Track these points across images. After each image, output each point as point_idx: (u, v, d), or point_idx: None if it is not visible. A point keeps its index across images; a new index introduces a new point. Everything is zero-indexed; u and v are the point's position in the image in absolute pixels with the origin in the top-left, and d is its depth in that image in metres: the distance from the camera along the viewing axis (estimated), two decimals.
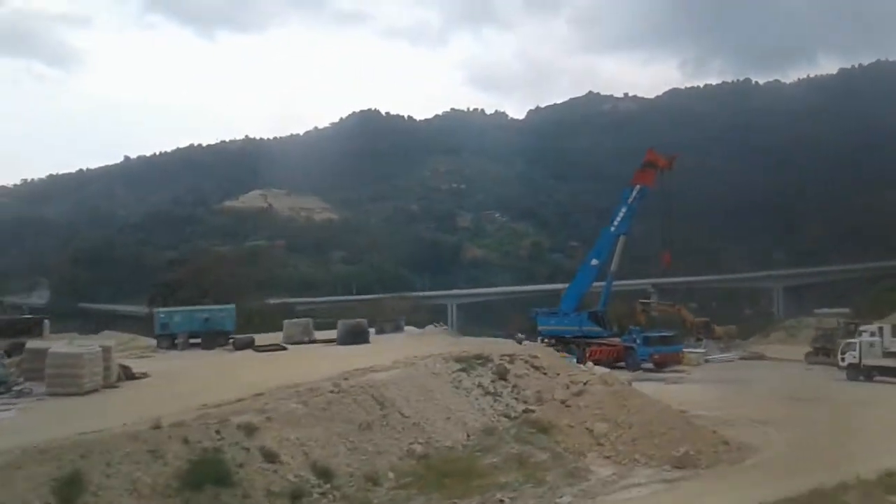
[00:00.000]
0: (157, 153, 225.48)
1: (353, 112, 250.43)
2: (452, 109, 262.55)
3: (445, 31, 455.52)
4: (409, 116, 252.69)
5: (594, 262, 55.79)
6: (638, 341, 51.21)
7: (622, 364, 48.98)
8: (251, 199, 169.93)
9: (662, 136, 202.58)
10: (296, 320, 43.73)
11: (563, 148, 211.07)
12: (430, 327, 60.18)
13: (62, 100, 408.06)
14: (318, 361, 30.82)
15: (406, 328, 54.45)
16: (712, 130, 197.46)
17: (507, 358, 27.77)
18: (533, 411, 24.42)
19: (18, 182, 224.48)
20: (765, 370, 47.61)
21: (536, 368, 27.51)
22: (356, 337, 39.02)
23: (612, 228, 55.11)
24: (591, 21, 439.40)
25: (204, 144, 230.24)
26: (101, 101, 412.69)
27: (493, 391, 25.27)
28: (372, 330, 45.98)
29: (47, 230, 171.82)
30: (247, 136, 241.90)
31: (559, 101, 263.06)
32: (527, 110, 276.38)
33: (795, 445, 23.28)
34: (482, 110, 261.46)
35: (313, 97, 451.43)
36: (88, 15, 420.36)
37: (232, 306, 47.24)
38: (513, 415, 24.17)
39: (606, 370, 32.50)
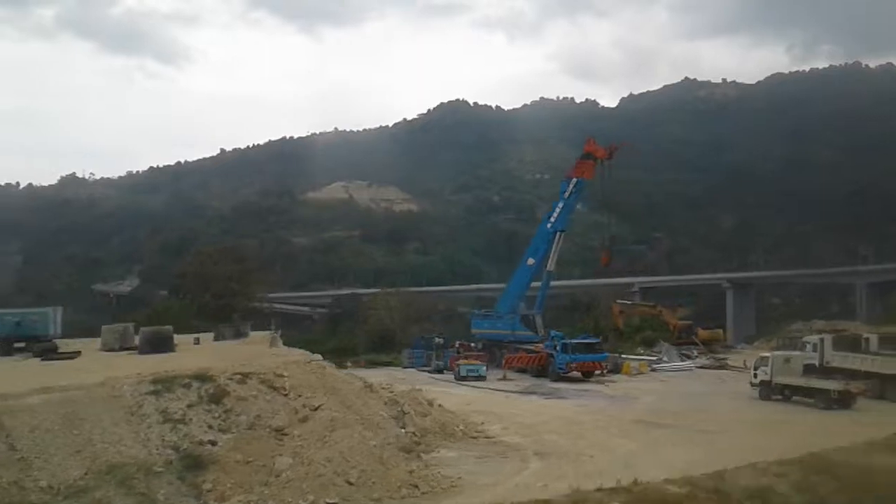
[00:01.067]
0: (251, 146, 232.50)
1: (441, 103, 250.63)
2: (542, 98, 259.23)
3: (540, 21, 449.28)
4: (496, 106, 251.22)
5: (530, 261, 52.48)
6: (557, 348, 46.90)
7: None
8: (333, 191, 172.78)
9: (760, 123, 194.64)
10: (113, 326, 37.77)
11: (653, 136, 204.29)
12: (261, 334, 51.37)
13: (171, 96, 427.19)
14: (36, 375, 25.70)
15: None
16: (816, 118, 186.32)
17: (239, 377, 23.98)
18: (214, 443, 20.92)
19: (123, 174, 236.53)
20: (698, 383, 43.19)
21: (275, 389, 23.96)
22: (157, 346, 33.80)
23: (549, 225, 51.73)
24: (692, 6, 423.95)
25: (295, 137, 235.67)
26: (206, 96, 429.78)
27: (179, 418, 21.50)
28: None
29: (146, 221, 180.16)
30: (336, 128, 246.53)
31: (653, 89, 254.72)
32: (620, 98, 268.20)
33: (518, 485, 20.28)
34: (572, 99, 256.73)
35: (404, 89, 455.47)
36: (197, 13, 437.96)
37: (48, 309, 40.47)
38: (184, 447, 20.51)
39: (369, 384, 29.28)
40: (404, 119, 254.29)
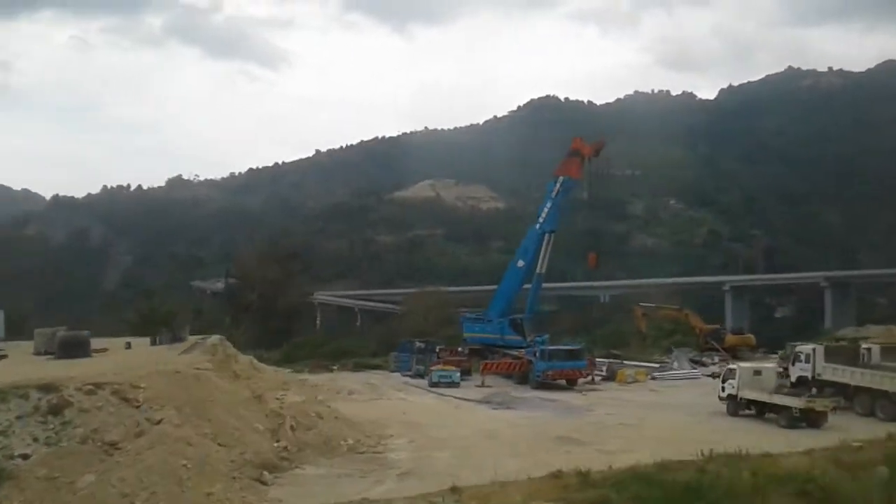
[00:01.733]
0: (344, 146, 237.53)
1: (532, 99, 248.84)
2: (636, 92, 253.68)
3: (635, 11, 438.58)
4: (588, 101, 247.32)
5: (520, 263, 50.21)
6: (536, 355, 44.68)
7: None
8: (421, 190, 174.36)
9: (869, 114, 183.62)
10: (44, 329, 36.13)
11: (753, 128, 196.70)
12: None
13: (271, 98, 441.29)
14: None
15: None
16: None
17: (90, 387, 22.67)
18: (27, 457, 19.92)
19: (226, 175, 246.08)
20: (687, 394, 39.67)
21: (126, 401, 22.64)
22: (71, 350, 32.14)
23: (538, 226, 49.48)
24: None
25: (385, 136, 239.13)
26: (303, 98, 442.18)
27: (2, 430, 20.60)
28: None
29: (244, 221, 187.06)
30: (426, 127, 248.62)
31: (754, 79, 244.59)
32: (718, 89, 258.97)
33: None
34: (668, 91, 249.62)
35: (495, 86, 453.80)
36: (293, 17, 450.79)
37: None
38: None
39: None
40: (494, 116, 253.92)
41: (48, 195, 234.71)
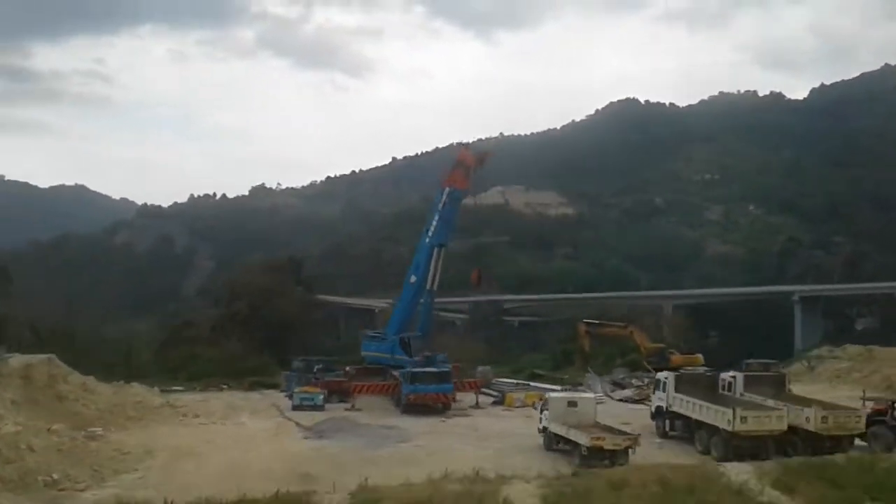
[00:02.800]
0: (419, 153, 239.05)
1: (611, 102, 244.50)
2: (720, 93, 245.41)
3: (726, 10, 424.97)
4: (670, 104, 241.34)
5: (412, 278, 46.97)
6: (402, 377, 41.80)
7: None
8: (490, 196, 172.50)
9: None
10: None
11: (844, 129, 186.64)
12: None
13: (354, 107, 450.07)
14: None
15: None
16: None
17: None
18: None
19: (306, 184, 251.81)
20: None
21: None
22: None
23: (427, 239, 46.33)
24: None
25: (459, 143, 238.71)
26: (387, 105, 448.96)
27: None
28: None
29: (319, 228, 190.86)
30: (501, 133, 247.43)
31: (847, 78, 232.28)
32: (809, 89, 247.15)
33: None
34: (754, 92, 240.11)
35: (576, 90, 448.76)
36: (381, 26, 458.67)
37: None
38: None
39: None
40: (573, 121, 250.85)
41: (141, 202, 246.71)
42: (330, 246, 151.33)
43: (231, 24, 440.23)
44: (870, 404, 29.49)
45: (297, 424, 36.18)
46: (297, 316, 71.10)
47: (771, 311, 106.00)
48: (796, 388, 35.61)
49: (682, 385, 31.03)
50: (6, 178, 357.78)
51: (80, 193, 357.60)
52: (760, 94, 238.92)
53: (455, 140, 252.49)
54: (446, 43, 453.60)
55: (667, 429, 31.58)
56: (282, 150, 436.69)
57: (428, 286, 46.28)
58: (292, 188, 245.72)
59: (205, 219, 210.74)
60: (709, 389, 31.10)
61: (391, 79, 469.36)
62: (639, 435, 26.45)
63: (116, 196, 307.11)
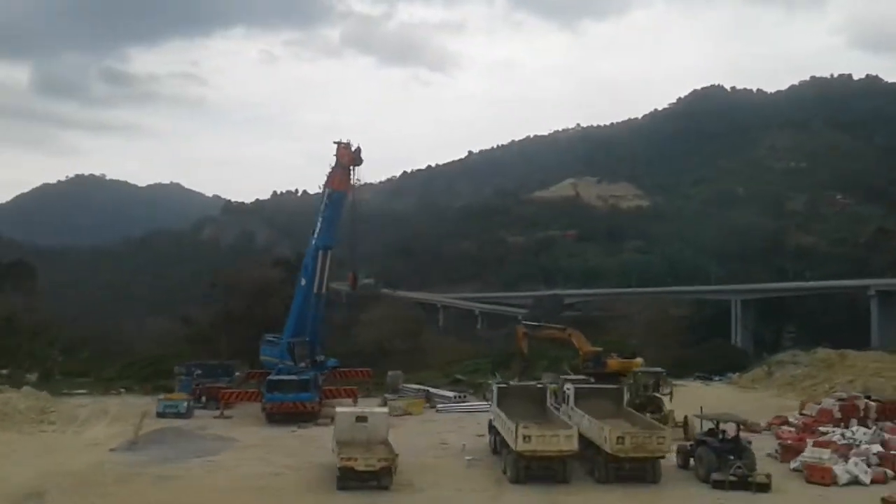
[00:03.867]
0: (495, 146, 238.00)
1: (695, 90, 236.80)
2: (812, 78, 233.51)
3: None
4: (758, 90, 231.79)
5: (303, 281, 43.63)
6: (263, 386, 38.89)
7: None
8: (562, 189, 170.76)
9: None
10: None
11: None
12: None
13: (436, 102, 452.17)
14: None
15: None
16: None
17: None
18: None
19: (383, 179, 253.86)
20: (408, 432, 31.81)
21: None
22: None
23: (313, 241, 43.18)
24: None
25: (535, 135, 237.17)
26: (468, 99, 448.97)
27: None
28: None
29: (392, 223, 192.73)
30: (578, 124, 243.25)
31: None
32: None
33: None
34: (849, 76, 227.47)
35: (661, 79, 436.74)
36: (463, 20, 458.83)
37: None
38: None
39: None
40: (655, 110, 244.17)
41: (235, 200, 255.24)
42: (395, 241, 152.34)
43: (317, 24, 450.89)
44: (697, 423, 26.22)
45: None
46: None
47: (849, 305, 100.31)
48: (748, 395, 33.34)
49: (506, 397, 28.12)
50: (107, 178, 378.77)
51: (174, 191, 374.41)
52: (855, 77, 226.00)
53: (534, 132, 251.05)
54: (529, 34, 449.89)
55: (494, 445, 27.99)
56: (365, 146, 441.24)
57: (315, 290, 43.97)
58: (370, 183, 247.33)
59: (285, 214, 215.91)
60: (535, 403, 27.99)
61: (474, 72, 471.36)
62: (397, 455, 23.30)
63: (209, 193, 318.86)
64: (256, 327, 51.06)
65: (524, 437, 23.21)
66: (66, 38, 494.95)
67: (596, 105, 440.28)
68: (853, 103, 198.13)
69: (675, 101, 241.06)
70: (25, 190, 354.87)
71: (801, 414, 28.45)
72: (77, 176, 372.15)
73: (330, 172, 43.41)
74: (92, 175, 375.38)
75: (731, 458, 22.43)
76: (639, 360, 41.59)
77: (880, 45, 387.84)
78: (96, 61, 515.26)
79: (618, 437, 22.91)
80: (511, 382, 32.46)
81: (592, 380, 39.33)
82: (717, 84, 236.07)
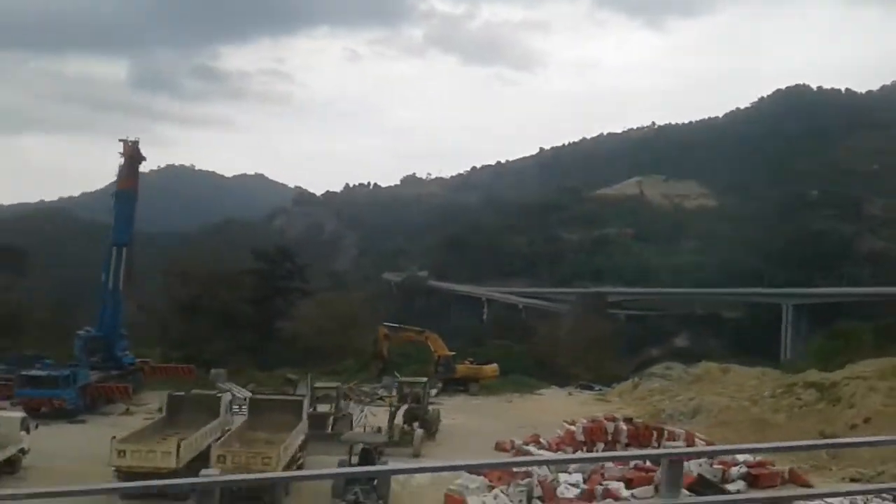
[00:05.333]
0: (566, 143, 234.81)
1: (779, 89, 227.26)
2: None
3: None
4: (846, 90, 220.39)
5: (103, 277, 41.42)
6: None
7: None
8: (626, 187, 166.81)
9: None
10: None
11: None
12: None
13: (521, 100, 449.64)
14: None
15: None
16: None
17: None
18: None
19: (454, 174, 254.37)
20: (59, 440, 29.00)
21: None
22: None
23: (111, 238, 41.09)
24: None
25: (608, 133, 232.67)
26: (549, 98, 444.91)
27: None
28: None
29: (457, 217, 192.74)
30: (653, 122, 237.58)
31: None
32: None
33: None
34: None
35: (747, 77, 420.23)
36: (547, 19, 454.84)
37: None
38: None
39: None
40: (737, 109, 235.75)
41: (318, 192, 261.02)
42: (453, 234, 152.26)
43: (401, 23, 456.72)
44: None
45: None
46: (248, 310, 60.13)
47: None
48: (594, 408, 31.16)
49: (179, 406, 25.62)
50: (196, 168, 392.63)
51: (258, 182, 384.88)
52: None
53: (609, 130, 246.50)
54: (613, 33, 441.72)
55: None
56: (445, 142, 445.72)
57: (111, 286, 43.04)
58: (441, 178, 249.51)
59: (354, 206, 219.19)
60: (209, 414, 25.54)
61: (556, 71, 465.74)
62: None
63: (291, 185, 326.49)
64: (203, 319, 50.31)
65: (118, 452, 21.32)
66: (160, 37, 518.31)
67: (676, 104, 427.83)
68: None
69: (756, 100, 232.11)
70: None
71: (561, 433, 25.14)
72: (168, 166, 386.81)
73: (119, 171, 43.26)
74: (182, 165, 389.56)
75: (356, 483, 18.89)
76: (491, 366, 39.32)
77: None
78: (188, 58, 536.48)
79: (219, 456, 20.81)
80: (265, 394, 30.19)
81: (440, 384, 38.19)
82: (802, 84, 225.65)
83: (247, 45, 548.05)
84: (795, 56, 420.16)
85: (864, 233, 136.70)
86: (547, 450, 18.93)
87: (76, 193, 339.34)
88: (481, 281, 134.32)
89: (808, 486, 14.99)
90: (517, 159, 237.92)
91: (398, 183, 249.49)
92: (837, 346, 34.24)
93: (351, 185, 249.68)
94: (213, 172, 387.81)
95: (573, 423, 20.72)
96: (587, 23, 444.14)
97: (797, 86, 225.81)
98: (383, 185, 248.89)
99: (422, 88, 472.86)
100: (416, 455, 23.43)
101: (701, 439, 20.02)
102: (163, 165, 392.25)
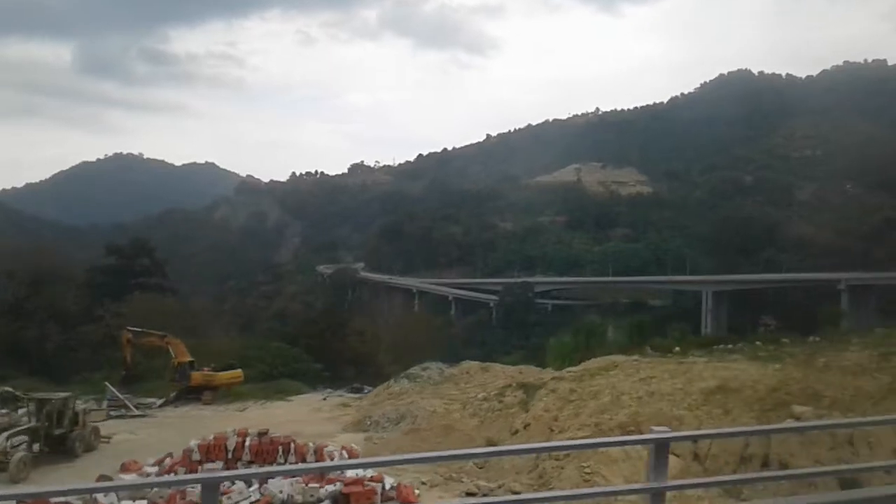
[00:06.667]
0: (512, 130, 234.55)
1: (721, 74, 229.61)
2: (845, 63, 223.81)
3: None
4: (787, 75, 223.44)
5: None
6: None
7: None
8: (564, 174, 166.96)
9: None
10: None
11: None
12: None
13: (474, 85, 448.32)
14: None
15: None
16: None
17: None
18: None
19: (402, 161, 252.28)
20: None
21: None
22: None
23: None
24: None
25: (552, 119, 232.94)
26: (501, 83, 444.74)
27: None
28: None
29: (401, 206, 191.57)
30: (597, 108, 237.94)
31: None
32: None
33: None
34: (883, 61, 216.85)
35: (696, 62, 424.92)
36: (501, 4, 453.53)
37: None
38: None
39: None
40: (681, 94, 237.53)
41: (266, 179, 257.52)
42: (389, 223, 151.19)
43: (354, 5, 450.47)
44: None
45: None
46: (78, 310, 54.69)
47: (827, 297, 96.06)
48: (336, 413, 28.98)
49: None
50: (145, 157, 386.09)
51: (209, 170, 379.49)
52: (890, 62, 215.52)
53: (551, 117, 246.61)
54: (567, 17, 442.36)
55: None
56: (397, 129, 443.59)
57: None
58: (389, 165, 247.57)
59: (298, 195, 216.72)
60: None
61: (512, 56, 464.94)
62: None
63: (243, 173, 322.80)
64: (26, 320, 46.83)
65: None
66: (106, 19, 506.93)
67: (624, 90, 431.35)
68: (886, 89, 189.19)
69: (699, 85, 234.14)
70: (65, 168, 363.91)
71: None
72: (115, 154, 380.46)
73: None
74: (130, 154, 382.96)
75: None
76: (231, 372, 35.94)
77: None
78: (136, 41, 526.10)
79: None
80: None
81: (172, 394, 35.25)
82: (745, 69, 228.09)
83: (197, 28, 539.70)
84: (742, 41, 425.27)
85: (793, 218, 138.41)
86: (157, 474, 16.47)
87: (20, 185, 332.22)
88: (417, 271, 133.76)
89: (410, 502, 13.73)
90: (464, 146, 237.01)
91: (346, 171, 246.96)
92: (578, 343, 32.64)
93: (297, 173, 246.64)
94: (162, 161, 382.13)
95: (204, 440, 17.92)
96: (542, 8, 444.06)
97: (739, 71, 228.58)
98: (333, 172, 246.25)
99: (376, 72, 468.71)
100: (15, 481, 20.28)
101: (356, 452, 17.68)
102: (110, 154, 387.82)
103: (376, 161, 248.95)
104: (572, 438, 12.11)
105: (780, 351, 18.30)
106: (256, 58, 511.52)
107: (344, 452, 16.57)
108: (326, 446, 16.29)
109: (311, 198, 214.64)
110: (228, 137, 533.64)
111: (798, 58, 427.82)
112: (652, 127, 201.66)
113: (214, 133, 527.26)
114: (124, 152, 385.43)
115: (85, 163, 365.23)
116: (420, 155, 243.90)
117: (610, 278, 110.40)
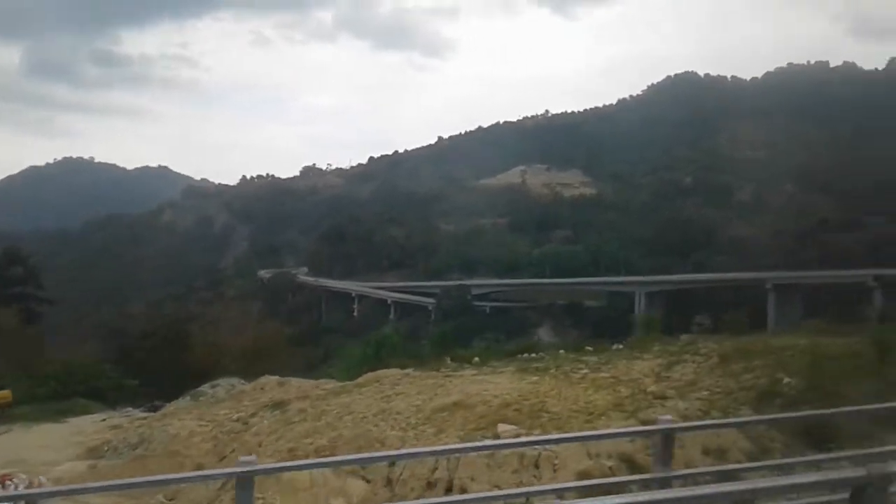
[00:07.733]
0: (463, 132, 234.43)
1: (668, 76, 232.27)
2: (789, 65, 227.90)
3: None
4: (732, 77, 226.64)
5: None
6: None
7: None
8: (510, 176, 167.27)
9: None
10: None
11: None
12: None
13: (429, 87, 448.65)
14: None
15: None
16: None
17: None
18: None
19: (355, 164, 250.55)
20: None
21: None
22: None
23: None
24: None
25: (503, 122, 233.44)
26: (456, 84, 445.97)
27: None
28: None
29: (350, 209, 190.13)
30: (546, 110, 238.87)
31: None
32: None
33: None
34: (826, 63, 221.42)
35: (646, 64, 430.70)
36: (456, 6, 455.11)
37: None
38: None
39: None
40: (629, 96, 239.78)
41: (219, 183, 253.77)
42: (332, 227, 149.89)
43: (309, 6, 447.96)
44: None
45: None
46: None
47: (754, 297, 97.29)
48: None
49: None
50: (95, 160, 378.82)
51: (162, 174, 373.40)
52: (832, 64, 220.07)
53: (502, 119, 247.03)
54: (523, 19, 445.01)
55: None
56: (351, 131, 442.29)
57: None
58: (341, 168, 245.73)
59: (246, 199, 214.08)
60: None
61: (467, 58, 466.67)
62: None
63: (197, 177, 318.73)
64: None
65: None
66: (56, 19, 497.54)
67: (575, 92, 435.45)
68: (828, 90, 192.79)
69: (646, 87, 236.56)
70: (14, 172, 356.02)
71: None
72: (65, 158, 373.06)
73: None
74: (80, 158, 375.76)
75: None
76: (7, 392, 32.45)
77: (882, 32, 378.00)
78: (87, 43, 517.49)
79: None
80: None
81: None
82: (691, 71, 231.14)
83: (149, 29, 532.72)
84: (691, 43, 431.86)
85: (732, 219, 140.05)
86: None
87: None
88: (359, 275, 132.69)
89: None
90: (415, 149, 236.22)
91: (297, 174, 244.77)
92: (367, 354, 30.61)
93: (248, 176, 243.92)
94: (113, 165, 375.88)
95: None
96: (498, 9, 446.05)
97: (686, 73, 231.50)
98: (285, 175, 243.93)
99: (333, 75, 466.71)
100: None
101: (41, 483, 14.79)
102: (59, 158, 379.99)
103: (328, 164, 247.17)
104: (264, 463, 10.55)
105: (554, 362, 17.80)
106: (210, 59, 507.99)
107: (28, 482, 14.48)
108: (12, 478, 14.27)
109: (259, 202, 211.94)
110: (182, 140, 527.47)
111: (747, 60, 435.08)
112: (599, 129, 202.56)
113: (168, 136, 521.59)
114: (74, 156, 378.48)
115: (33, 167, 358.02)
116: (371, 157, 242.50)
117: (547, 280, 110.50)
